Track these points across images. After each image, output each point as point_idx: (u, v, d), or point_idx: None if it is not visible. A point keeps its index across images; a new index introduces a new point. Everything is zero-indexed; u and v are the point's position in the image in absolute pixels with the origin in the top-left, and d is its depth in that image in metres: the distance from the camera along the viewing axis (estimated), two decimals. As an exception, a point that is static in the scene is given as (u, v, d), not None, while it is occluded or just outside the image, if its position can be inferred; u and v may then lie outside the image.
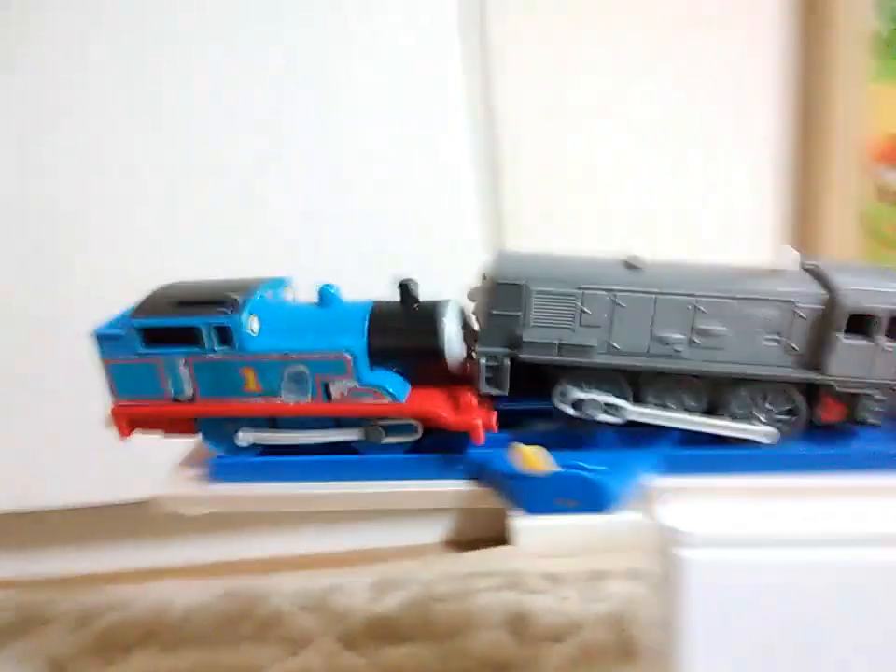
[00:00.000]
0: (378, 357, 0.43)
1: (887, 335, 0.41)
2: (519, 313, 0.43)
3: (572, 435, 0.45)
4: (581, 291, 0.42)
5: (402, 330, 0.44)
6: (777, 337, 0.42)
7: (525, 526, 0.87)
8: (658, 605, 0.44)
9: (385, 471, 0.45)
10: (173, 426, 0.46)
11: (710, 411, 0.44)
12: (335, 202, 0.79)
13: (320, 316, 0.45)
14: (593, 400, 0.43)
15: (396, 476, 0.44)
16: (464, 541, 0.96)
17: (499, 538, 0.92)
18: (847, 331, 0.41)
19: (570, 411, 0.44)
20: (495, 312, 0.43)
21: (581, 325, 0.43)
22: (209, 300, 0.43)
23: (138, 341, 0.43)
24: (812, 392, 0.43)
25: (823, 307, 0.41)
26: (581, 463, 0.42)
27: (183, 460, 0.48)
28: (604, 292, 0.42)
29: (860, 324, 0.41)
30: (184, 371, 0.43)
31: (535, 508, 0.42)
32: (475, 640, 0.71)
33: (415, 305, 0.44)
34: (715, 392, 0.44)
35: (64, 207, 0.78)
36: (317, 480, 0.44)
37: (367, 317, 0.43)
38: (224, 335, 0.42)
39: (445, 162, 0.79)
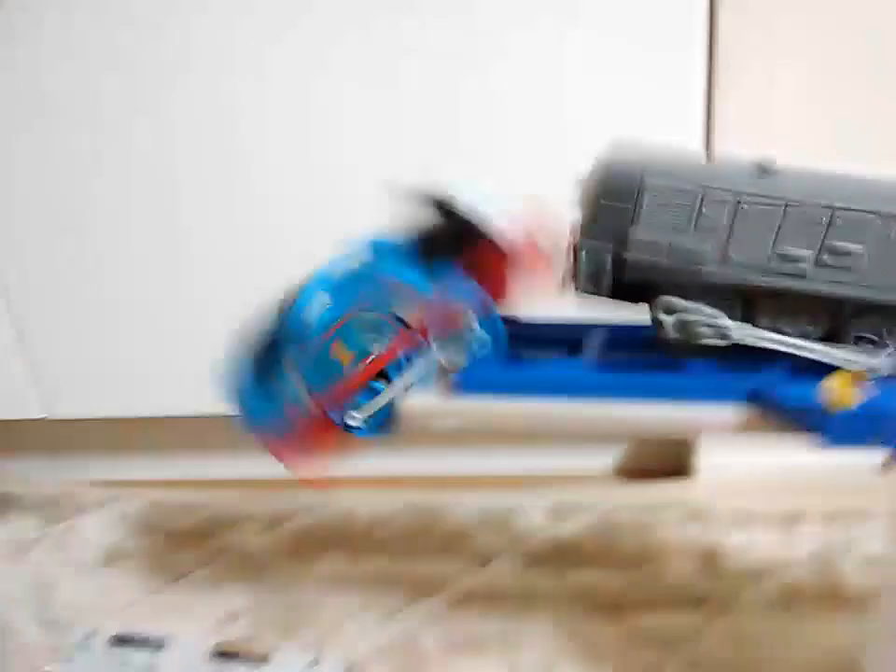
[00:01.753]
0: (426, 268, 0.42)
1: None
2: (630, 205, 0.38)
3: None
4: (703, 189, 0.37)
5: (432, 233, 0.43)
6: None
7: (713, 458, 0.84)
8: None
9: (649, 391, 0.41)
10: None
11: (828, 339, 0.39)
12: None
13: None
14: (701, 315, 0.39)
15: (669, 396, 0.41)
16: (636, 471, 0.94)
17: (673, 469, 0.90)
18: None
19: (671, 327, 0.40)
20: (603, 202, 0.38)
21: (696, 229, 0.38)
22: None
23: None
24: None
25: None
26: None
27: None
28: (727, 194, 0.37)
29: None
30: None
31: (839, 440, 0.38)
32: (665, 570, 0.69)
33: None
34: (837, 319, 0.39)
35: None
36: (576, 397, 0.42)
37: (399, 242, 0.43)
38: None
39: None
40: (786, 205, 0.37)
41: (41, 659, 0.66)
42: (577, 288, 0.42)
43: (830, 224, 0.36)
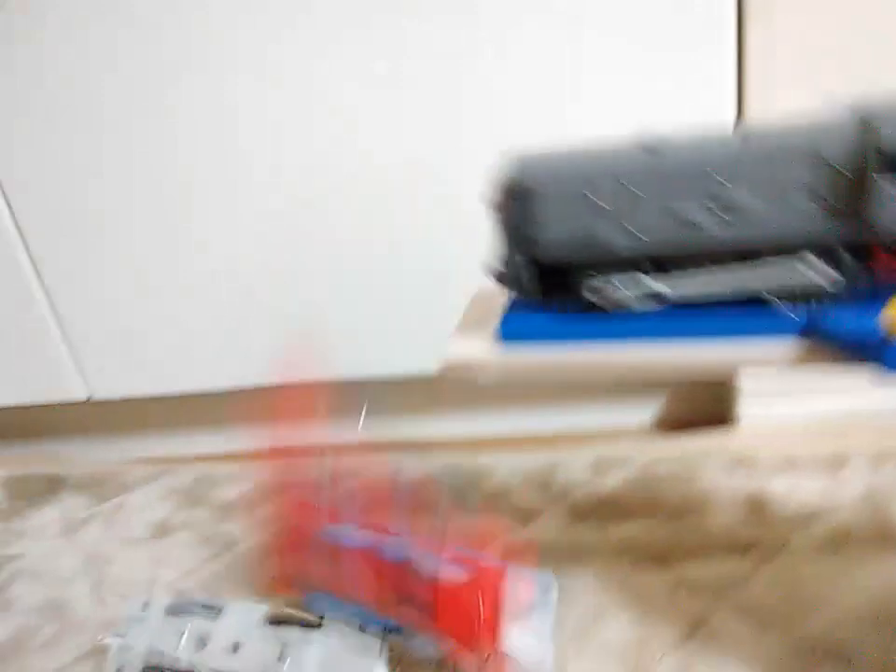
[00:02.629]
0: None
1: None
2: (527, 211, 0.42)
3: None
4: (587, 181, 0.41)
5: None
6: (810, 195, 0.37)
7: (755, 406, 0.83)
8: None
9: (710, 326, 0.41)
10: None
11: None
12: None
13: None
14: (632, 285, 0.41)
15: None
16: (674, 425, 0.93)
17: (712, 421, 0.89)
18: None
19: (609, 304, 0.42)
20: (502, 214, 0.42)
21: (594, 215, 0.41)
22: None
23: None
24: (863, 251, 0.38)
25: (859, 150, 0.35)
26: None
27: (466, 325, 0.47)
28: (610, 178, 0.40)
29: None
30: None
31: None
32: (711, 520, 0.68)
33: None
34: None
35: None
36: (629, 341, 0.41)
37: None
38: None
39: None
40: (670, 175, 0.39)
41: (98, 631, 0.68)
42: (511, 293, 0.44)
43: (715, 182, 0.39)
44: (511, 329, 0.44)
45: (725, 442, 0.82)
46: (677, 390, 0.93)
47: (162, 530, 0.82)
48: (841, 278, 0.39)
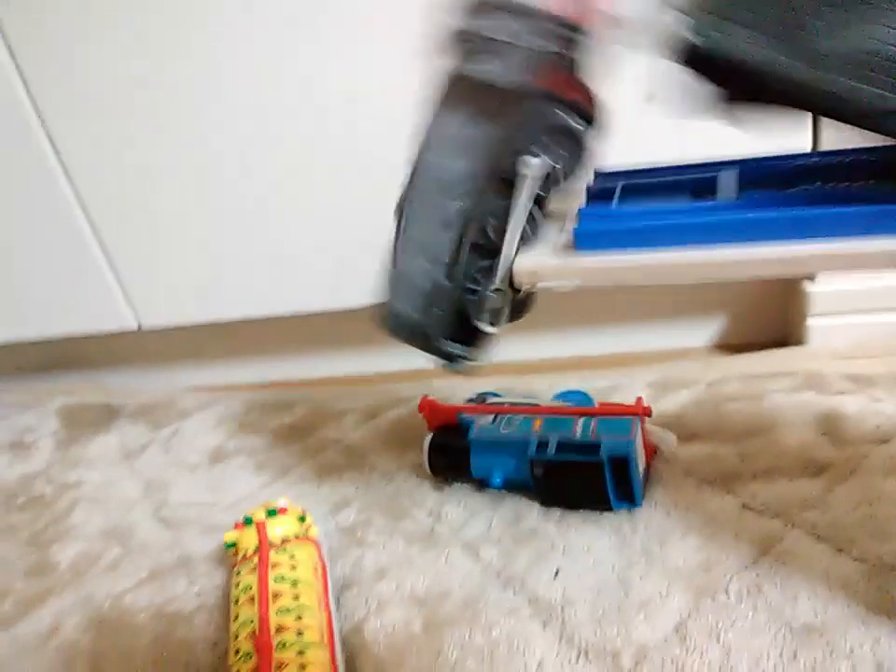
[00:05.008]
0: None
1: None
2: None
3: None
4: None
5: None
6: None
7: (824, 325, 0.79)
8: None
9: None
10: None
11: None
12: None
13: None
14: None
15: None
16: (737, 347, 0.90)
17: (776, 342, 0.85)
18: None
19: None
20: None
21: None
22: None
23: None
24: None
25: None
26: None
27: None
28: None
29: None
30: None
31: None
32: (781, 440, 0.65)
33: None
34: None
35: None
36: (704, 244, 0.38)
37: None
38: None
39: None
40: None
41: (160, 555, 0.69)
42: None
43: None
44: (588, 234, 0.41)
45: (794, 361, 0.78)
46: (739, 311, 0.90)
47: (219, 456, 0.83)
48: None
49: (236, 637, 0.52)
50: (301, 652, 0.49)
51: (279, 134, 0.81)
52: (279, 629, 0.51)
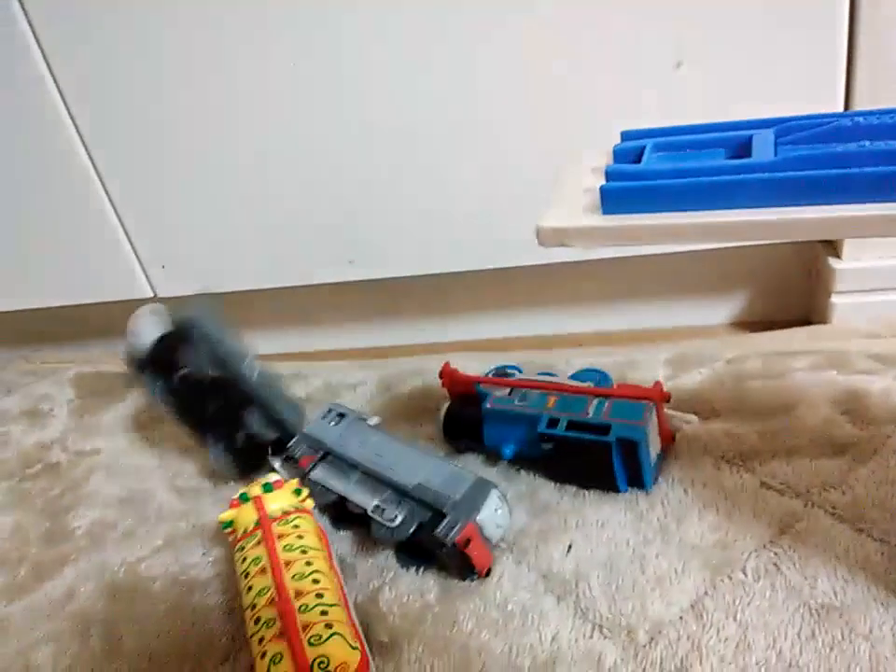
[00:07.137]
0: None
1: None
2: None
3: None
4: None
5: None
6: None
7: (849, 303, 0.78)
8: None
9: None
10: None
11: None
12: None
13: None
14: None
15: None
16: (757, 324, 0.88)
17: (797, 320, 0.84)
18: None
19: None
20: None
21: None
22: None
23: None
24: None
25: None
26: None
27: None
28: None
29: None
30: None
31: None
32: (802, 419, 0.64)
33: None
34: None
35: None
36: (731, 206, 0.37)
37: None
38: None
39: None
40: None
41: (176, 522, 0.69)
42: None
43: None
44: (616, 192, 0.40)
45: (817, 340, 0.77)
46: (761, 288, 0.88)
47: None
48: None
49: (253, 606, 0.51)
50: (324, 612, 0.49)
51: (294, 111, 0.80)
52: (298, 594, 0.51)
